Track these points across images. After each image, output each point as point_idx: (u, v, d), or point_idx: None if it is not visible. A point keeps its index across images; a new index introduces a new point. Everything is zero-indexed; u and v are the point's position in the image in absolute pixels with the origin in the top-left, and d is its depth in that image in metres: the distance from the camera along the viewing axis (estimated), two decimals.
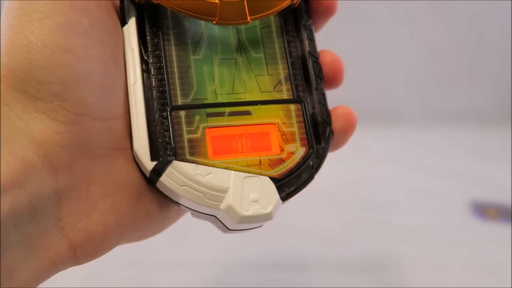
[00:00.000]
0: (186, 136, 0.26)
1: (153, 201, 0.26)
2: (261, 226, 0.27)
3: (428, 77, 0.89)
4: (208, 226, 0.53)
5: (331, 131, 0.28)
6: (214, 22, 0.27)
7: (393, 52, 0.89)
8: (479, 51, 0.90)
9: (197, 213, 0.26)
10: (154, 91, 0.26)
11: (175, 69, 0.27)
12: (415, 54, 0.89)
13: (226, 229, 0.27)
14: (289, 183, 0.26)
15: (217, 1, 0.26)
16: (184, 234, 0.51)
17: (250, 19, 0.27)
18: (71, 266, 0.25)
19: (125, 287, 0.43)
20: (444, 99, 0.89)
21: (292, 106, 0.28)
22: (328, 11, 0.30)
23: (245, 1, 0.27)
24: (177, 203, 0.26)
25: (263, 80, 0.28)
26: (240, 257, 0.48)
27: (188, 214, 0.29)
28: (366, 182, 0.67)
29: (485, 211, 0.59)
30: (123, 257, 0.46)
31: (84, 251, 0.24)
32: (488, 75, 0.90)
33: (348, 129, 0.28)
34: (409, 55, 0.89)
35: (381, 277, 0.47)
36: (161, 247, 0.49)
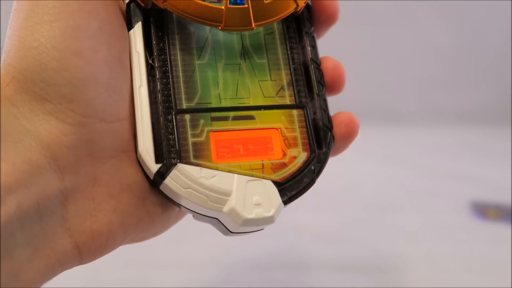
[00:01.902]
0: (190, 140, 0.26)
1: (156, 203, 0.27)
2: (262, 229, 0.27)
3: (428, 77, 0.89)
4: (208, 226, 0.53)
5: (332, 137, 0.28)
6: (220, 28, 0.27)
7: (393, 52, 0.89)
8: (479, 51, 0.90)
9: (199, 216, 0.27)
10: (159, 95, 0.27)
11: (180, 73, 0.27)
12: (415, 54, 0.89)
13: (228, 231, 0.27)
14: (291, 187, 0.27)
15: (223, 7, 0.27)
16: (184, 234, 0.51)
17: (255, 25, 0.27)
18: (76, 265, 0.25)
19: (125, 287, 0.43)
20: (444, 99, 0.89)
21: (295, 112, 0.28)
22: (330, 19, 0.30)
23: (250, 8, 0.27)
24: (180, 205, 0.26)
25: (266, 85, 0.28)
26: (240, 257, 0.48)
27: (189, 215, 0.29)
28: (366, 182, 0.67)
29: (485, 211, 0.59)
30: (123, 257, 0.46)
31: (89, 250, 0.25)
32: (488, 75, 0.90)
33: (349, 135, 0.29)
34: (409, 55, 0.89)
35: (381, 277, 0.47)
36: (161, 247, 0.49)
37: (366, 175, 0.68)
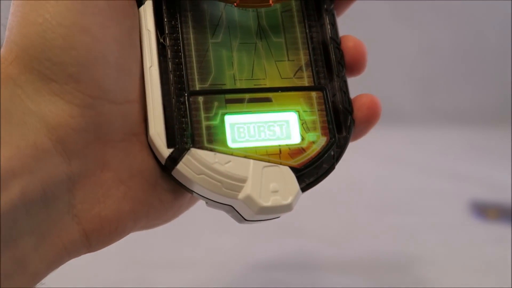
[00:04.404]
0: (204, 123, 0.25)
1: (167, 189, 0.26)
2: (279, 217, 0.26)
3: (428, 77, 0.89)
4: (208, 226, 0.53)
5: (353, 120, 0.27)
6: (235, 4, 0.26)
7: (393, 52, 0.89)
8: (479, 51, 0.90)
9: (212, 203, 0.25)
10: (171, 75, 0.25)
11: (193, 53, 0.26)
12: (415, 54, 0.89)
13: (243, 219, 0.26)
14: (310, 174, 0.26)
15: None
16: (184, 234, 0.51)
17: (272, 1, 0.26)
18: (84, 253, 0.24)
19: (125, 287, 0.43)
20: (444, 99, 0.89)
21: (314, 94, 0.27)
22: None
23: None
24: (192, 192, 0.25)
25: (283, 66, 0.27)
26: (241, 258, 0.48)
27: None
28: (366, 182, 0.67)
29: (485, 211, 0.59)
30: (123, 257, 0.46)
31: (97, 238, 0.24)
32: (488, 75, 0.90)
33: (371, 119, 0.28)
34: (409, 55, 0.89)
35: (381, 277, 0.47)
36: (161, 247, 0.49)
37: (366, 175, 0.68)
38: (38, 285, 0.23)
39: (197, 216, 0.52)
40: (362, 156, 0.71)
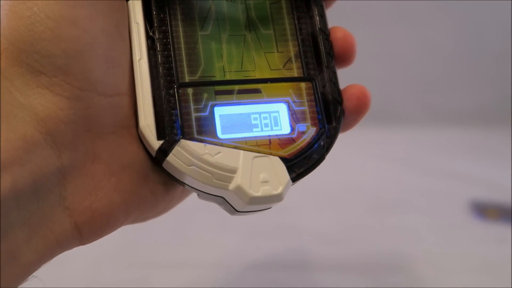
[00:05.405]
0: (193, 114, 0.25)
1: (158, 182, 0.26)
2: (270, 208, 0.26)
3: (428, 77, 0.89)
4: (208, 226, 0.53)
5: (343, 111, 0.27)
6: None
7: (393, 52, 0.89)
8: (479, 51, 0.90)
9: (204, 194, 0.26)
10: (161, 68, 0.26)
11: (182, 45, 0.26)
12: (415, 54, 0.89)
13: (234, 211, 0.26)
14: (300, 164, 0.26)
15: None
16: (184, 234, 0.51)
17: None
18: (76, 246, 0.24)
19: (125, 287, 0.43)
20: (444, 99, 0.89)
21: (303, 85, 0.27)
22: None
23: None
24: (184, 184, 0.25)
25: (272, 57, 0.27)
26: (241, 257, 0.48)
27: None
28: (366, 182, 0.67)
29: (485, 211, 0.59)
30: (123, 257, 0.46)
31: (89, 230, 0.24)
32: (488, 75, 0.90)
33: (361, 109, 0.28)
34: (409, 55, 0.89)
35: (381, 277, 0.47)
36: (161, 247, 0.49)
37: (366, 175, 0.68)
38: (30, 277, 0.22)
39: (197, 216, 0.52)
40: (362, 156, 0.71)
